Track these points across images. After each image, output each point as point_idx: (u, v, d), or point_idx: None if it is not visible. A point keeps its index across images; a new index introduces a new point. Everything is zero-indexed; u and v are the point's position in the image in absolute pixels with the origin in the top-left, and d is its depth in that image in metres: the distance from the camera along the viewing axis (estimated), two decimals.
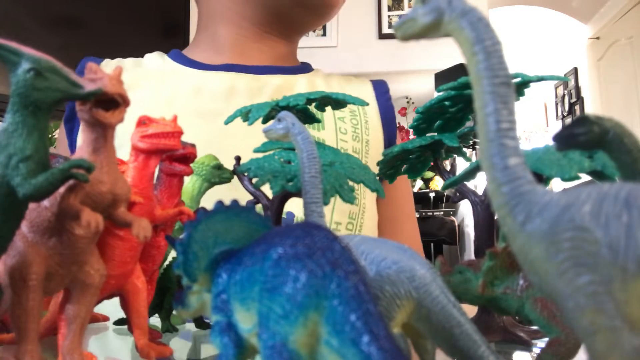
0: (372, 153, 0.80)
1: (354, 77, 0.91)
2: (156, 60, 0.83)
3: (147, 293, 0.38)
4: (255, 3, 0.79)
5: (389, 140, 0.84)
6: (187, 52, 0.85)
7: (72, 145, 0.79)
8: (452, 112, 0.46)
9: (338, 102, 0.46)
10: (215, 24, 0.83)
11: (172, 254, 0.48)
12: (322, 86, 0.82)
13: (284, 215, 0.32)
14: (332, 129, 0.78)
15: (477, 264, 0.34)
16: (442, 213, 3.38)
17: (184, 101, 0.75)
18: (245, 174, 0.43)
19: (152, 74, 0.80)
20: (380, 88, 0.88)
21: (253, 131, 0.45)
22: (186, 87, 0.77)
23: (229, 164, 0.46)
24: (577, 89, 3.78)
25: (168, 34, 2.32)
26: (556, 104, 4.09)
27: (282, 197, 0.41)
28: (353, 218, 0.75)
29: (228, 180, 0.48)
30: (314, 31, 3.09)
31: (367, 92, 0.87)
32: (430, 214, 3.37)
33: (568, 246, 0.16)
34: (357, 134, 0.79)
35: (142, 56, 0.86)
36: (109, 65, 0.79)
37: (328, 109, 0.47)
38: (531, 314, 0.31)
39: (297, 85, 0.80)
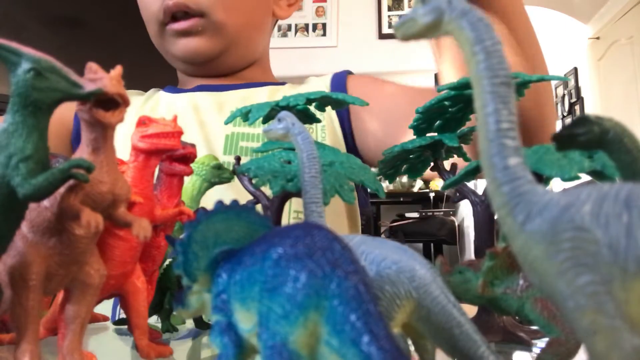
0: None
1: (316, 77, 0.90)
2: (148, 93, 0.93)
3: (147, 293, 0.38)
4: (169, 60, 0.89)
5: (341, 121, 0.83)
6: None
7: None
8: (452, 112, 0.46)
9: (338, 102, 0.46)
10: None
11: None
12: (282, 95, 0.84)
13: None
14: None
15: (477, 264, 0.34)
16: (442, 213, 3.38)
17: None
18: (246, 174, 0.43)
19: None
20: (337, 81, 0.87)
21: None
22: (161, 108, 0.86)
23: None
24: (577, 89, 3.78)
25: None
26: (556, 104, 4.09)
27: (282, 197, 0.41)
28: None
29: (228, 180, 0.48)
30: (314, 31, 3.10)
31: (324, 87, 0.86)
32: (430, 214, 3.37)
33: (568, 246, 0.16)
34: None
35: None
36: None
37: None
38: (531, 314, 0.31)
39: (258, 96, 0.82)
